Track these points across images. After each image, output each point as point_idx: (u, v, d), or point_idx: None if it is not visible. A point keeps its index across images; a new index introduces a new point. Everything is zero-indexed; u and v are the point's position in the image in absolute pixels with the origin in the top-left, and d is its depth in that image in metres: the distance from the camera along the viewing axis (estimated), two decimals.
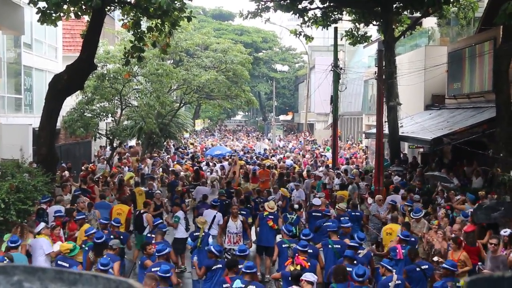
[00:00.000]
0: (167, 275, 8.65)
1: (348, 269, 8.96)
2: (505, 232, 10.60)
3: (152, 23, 16.86)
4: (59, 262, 9.74)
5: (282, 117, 78.38)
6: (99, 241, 10.43)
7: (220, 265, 9.88)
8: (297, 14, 23.50)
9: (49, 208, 13.40)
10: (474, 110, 19.99)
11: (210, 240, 11.95)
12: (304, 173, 22.92)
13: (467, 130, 17.60)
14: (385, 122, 19.99)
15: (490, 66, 18.70)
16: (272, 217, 13.61)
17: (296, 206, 14.88)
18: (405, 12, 23.35)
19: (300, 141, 47.97)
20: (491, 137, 16.02)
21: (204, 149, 38.29)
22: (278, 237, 13.09)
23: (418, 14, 23.40)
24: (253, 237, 14.62)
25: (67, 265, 9.47)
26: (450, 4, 22.32)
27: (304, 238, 10.77)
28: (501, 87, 15.01)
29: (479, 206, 12.89)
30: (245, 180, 20.12)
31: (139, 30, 16.88)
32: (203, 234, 12.00)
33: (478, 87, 20.58)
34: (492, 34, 19.23)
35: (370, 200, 16.65)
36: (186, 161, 28.02)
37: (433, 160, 21.51)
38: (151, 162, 25.83)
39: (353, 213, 14.42)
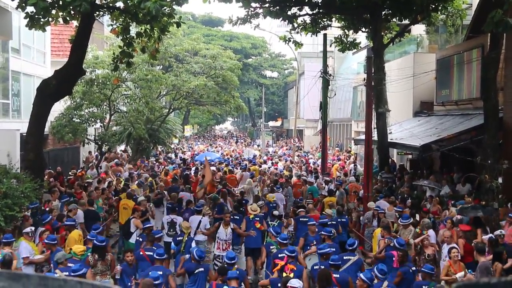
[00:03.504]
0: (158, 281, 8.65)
1: (334, 275, 8.97)
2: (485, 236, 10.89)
3: (141, 29, 16.84)
4: (69, 265, 9.65)
5: (271, 123, 78.46)
6: (101, 244, 10.42)
7: (202, 269, 9.96)
8: (287, 21, 23.55)
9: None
10: (462, 117, 20.11)
11: (193, 245, 11.99)
12: (294, 179, 22.95)
13: (456, 137, 17.68)
14: (374, 128, 20.05)
15: (478, 73, 18.83)
16: (258, 218, 13.73)
17: (276, 212, 14.90)
18: (394, 19, 23.48)
19: (290, 147, 48.03)
20: (479, 144, 16.12)
21: (195, 155, 38.22)
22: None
23: (406, 21, 23.52)
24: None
25: (78, 267, 9.33)
26: (438, 12, 22.47)
27: (283, 241, 10.99)
28: (489, 94, 15.11)
29: (463, 208, 13.53)
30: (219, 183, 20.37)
31: (128, 36, 16.85)
32: (187, 239, 12.11)
33: (466, 94, 20.71)
34: (480, 41, 19.37)
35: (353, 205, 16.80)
36: (175, 167, 27.92)
37: (422, 167, 21.60)
38: (127, 167, 25.78)
39: (339, 219, 14.46)
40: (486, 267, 10.04)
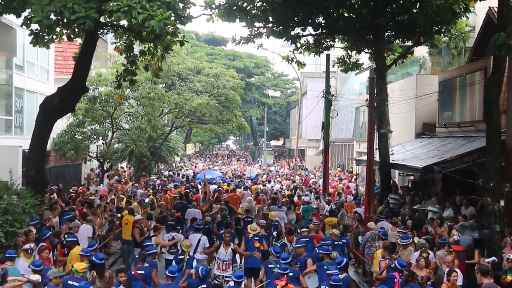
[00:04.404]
0: None
1: None
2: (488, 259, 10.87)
3: (145, 47, 16.95)
4: (70, 282, 9.59)
5: (273, 142, 78.45)
6: (100, 261, 10.35)
7: (205, 286, 9.92)
8: (290, 41, 23.65)
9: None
10: (464, 139, 20.07)
11: (195, 263, 11.97)
12: (295, 199, 22.91)
13: (458, 159, 17.63)
14: (376, 149, 20.02)
15: (480, 95, 18.84)
16: (258, 238, 13.65)
17: (274, 233, 14.88)
18: (397, 41, 23.57)
19: (292, 167, 47.97)
20: (481, 166, 16.05)
21: (196, 173, 38.18)
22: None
23: (409, 43, 23.61)
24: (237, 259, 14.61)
25: (77, 284, 9.33)
26: (441, 34, 22.56)
27: (283, 262, 10.98)
28: (491, 116, 15.08)
29: (463, 226, 14.05)
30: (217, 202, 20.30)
31: (131, 54, 16.95)
32: (188, 257, 12.11)
33: (469, 116, 20.71)
34: (482, 64, 19.41)
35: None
36: (176, 185, 27.87)
37: (423, 189, 21.51)
38: (130, 185, 25.74)
39: (342, 240, 14.39)
40: None
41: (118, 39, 17.43)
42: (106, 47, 32.89)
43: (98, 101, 25.21)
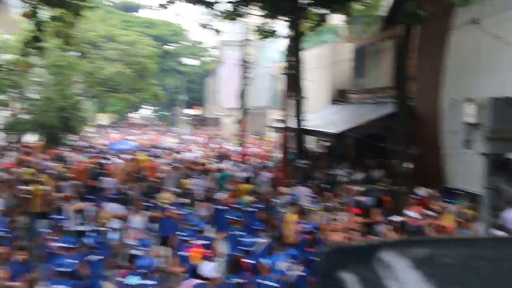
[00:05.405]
0: None
1: (248, 260, 8.95)
2: (396, 218, 11.19)
3: (55, 13, 16.06)
4: None
5: (190, 111, 77.73)
6: None
7: (97, 257, 9.75)
8: (206, 8, 23.21)
9: None
10: (376, 105, 20.61)
11: (111, 233, 11.69)
12: (212, 166, 22.83)
13: (370, 124, 18.11)
14: (292, 116, 20.17)
15: (391, 63, 19.34)
16: (171, 206, 13.47)
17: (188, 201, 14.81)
18: (313, 9, 23.66)
19: (209, 135, 47.83)
20: (391, 131, 16.55)
21: (112, 143, 37.16)
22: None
23: (325, 11, 23.77)
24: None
25: None
26: (356, 2, 22.86)
27: (196, 229, 10.97)
28: (400, 83, 15.53)
29: (368, 190, 14.71)
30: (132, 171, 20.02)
31: (40, 20, 16.01)
32: (104, 227, 11.82)
33: (380, 83, 21.24)
34: (394, 32, 19.87)
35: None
36: (90, 156, 26.99)
37: (337, 154, 22.00)
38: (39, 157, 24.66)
39: (256, 207, 14.46)
40: None
41: (26, 4, 16.38)
42: (11, 12, 31.03)
43: (2, 69, 23.85)
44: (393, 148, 15.00)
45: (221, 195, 15.18)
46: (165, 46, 68.36)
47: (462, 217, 11.83)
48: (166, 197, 13.98)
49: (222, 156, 27.75)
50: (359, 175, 17.55)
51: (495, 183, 11.28)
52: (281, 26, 28.47)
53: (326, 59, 24.34)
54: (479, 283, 1.42)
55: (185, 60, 76.44)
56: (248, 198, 14.84)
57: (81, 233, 12.70)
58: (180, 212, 13.58)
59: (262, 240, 10.72)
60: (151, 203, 14.32)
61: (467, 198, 13.62)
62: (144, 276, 8.18)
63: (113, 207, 13.67)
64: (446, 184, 16.27)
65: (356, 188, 15.62)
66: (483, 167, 11.14)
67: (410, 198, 13.72)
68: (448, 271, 1.44)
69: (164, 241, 13.09)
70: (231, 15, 24.15)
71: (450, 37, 16.56)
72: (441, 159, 16.82)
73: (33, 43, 16.27)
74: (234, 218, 12.01)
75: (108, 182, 17.54)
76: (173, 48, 74.29)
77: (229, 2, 23.44)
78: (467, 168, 14.79)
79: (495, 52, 14.32)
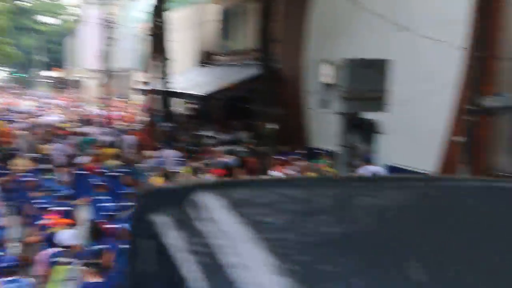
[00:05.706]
0: None
1: (112, 226, 8.69)
2: None
3: None
4: None
5: (50, 73, 73.48)
6: None
7: None
8: None
9: None
10: (242, 67, 20.73)
11: None
12: (75, 130, 21.87)
13: (236, 86, 18.22)
14: (157, 78, 19.74)
15: (256, 25, 19.48)
16: (28, 173, 12.69)
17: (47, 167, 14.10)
18: None
19: (71, 98, 45.72)
20: (256, 93, 16.78)
21: None
22: None
23: None
24: None
25: None
26: None
27: (57, 195, 10.54)
28: (264, 45, 15.71)
29: (231, 150, 15.42)
30: None
31: None
32: None
33: (246, 45, 21.36)
34: None
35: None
36: None
37: (204, 116, 21.98)
38: None
39: (123, 170, 14.08)
40: None
41: None
42: None
43: None
44: (258, 109, 15.24)
45: (83, 159, 14.55)
46: (17, 1, 63.53)
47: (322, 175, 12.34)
48: (20, 163, 13.11)
49: (85, 120, 26.66)
50: (225, 137, 17.69)
51: (351, 141, 11.80)
52: None
53: (193, 20, 23.98)
54: (287, 221, 1.49)
55: (43, 18, 71.86)
56: (112, 163, 14.38)
57: None
58: (36, 179, 12.83)
59: (127, 205, 10.44)
60: (4, 170, 13.40)
61: (328, 157, 14.25)
62: None
63: None
64: (309, 144, 16.90)
65: (220, 149, 15.75)
66: (339, 126, 11.62)
67: (274, 159, 14.07)
68: (262, 210, 1.49)
69: (19, 210, 12.35)
70: None
71: (312, 0, 17.00)
72: (304, 120, 17.41)
73: None
74: (97, 183, 11.55)
75: None
76: (28, 4, 69.28)
77: None
78: (326, 128, 15.40)
79: (354, 16, 14.91)
